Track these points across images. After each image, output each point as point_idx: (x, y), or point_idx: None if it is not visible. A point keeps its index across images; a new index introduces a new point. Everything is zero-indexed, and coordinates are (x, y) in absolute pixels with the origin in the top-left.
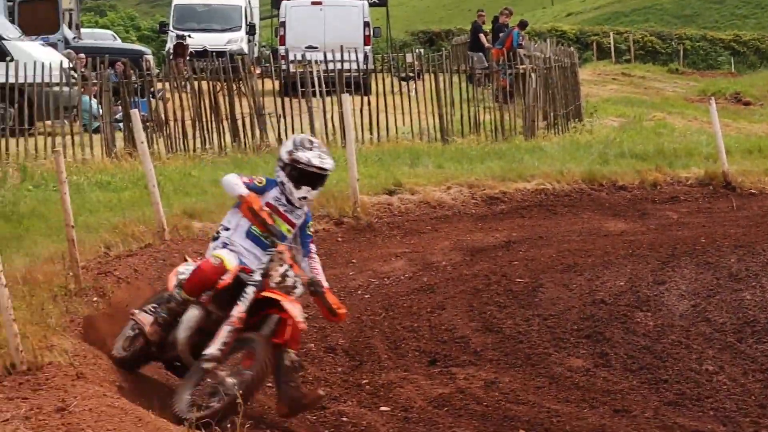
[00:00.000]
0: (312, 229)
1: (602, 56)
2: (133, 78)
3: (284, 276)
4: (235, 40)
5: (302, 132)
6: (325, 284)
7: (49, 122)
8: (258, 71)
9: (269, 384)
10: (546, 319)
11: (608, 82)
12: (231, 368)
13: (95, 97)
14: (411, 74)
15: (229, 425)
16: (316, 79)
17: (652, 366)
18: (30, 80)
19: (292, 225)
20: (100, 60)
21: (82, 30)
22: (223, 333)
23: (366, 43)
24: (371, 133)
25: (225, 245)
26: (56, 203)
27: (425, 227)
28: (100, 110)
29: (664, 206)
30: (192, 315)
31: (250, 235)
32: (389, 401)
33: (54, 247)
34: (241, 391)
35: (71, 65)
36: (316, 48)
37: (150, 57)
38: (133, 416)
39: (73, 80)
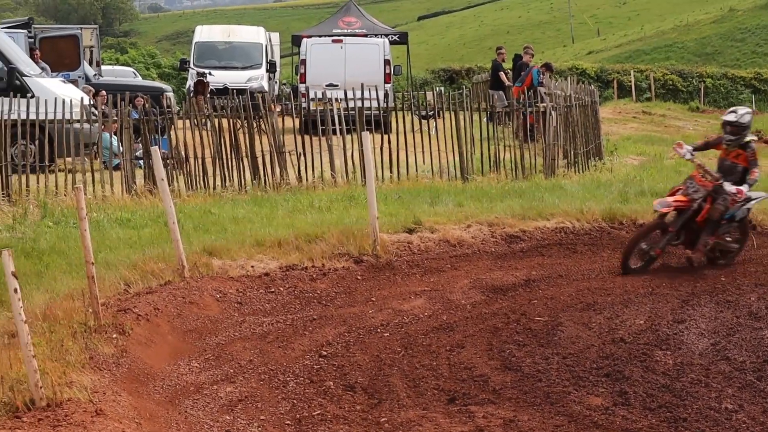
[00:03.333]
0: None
1: (623, 94)
2: (154, 115)
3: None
4: (256, 78)
5: (321, 170)
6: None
7: (69, 159)
8: (278, 109)
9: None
10: (565, 357)
11: (629, 120)
12: None
13: (115, 134)
14: (431, 112)
15: None
16: (336, 117)
17: (671, 404)
18: (51, 117)
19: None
20: (120, 97)
21: (103, 67)
22: None
23: (386, 81)
24: (391, 171)
25: None
26: (76, 240)
27: (445, 265)
28: (121, 147)
29: None
30: None
31: None
32: None
33: (74, 283)
34: None
35: (91, 102)
36: (336, 86)
37: (171, 94)
38: None
39: (94, 117)
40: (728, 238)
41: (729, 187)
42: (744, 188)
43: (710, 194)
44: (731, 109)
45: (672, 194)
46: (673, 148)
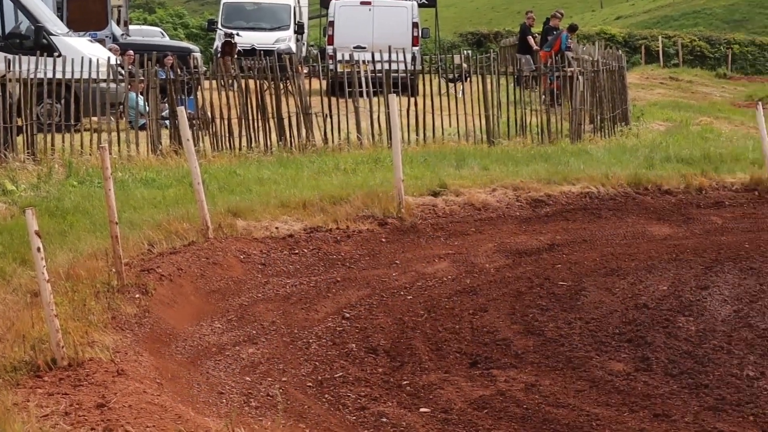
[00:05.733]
0: None
1: (650, 60)
2: (181, 75)
3: None
4: (284, 39)
5: (348, 132)
6: None
7: (95, 118)
8: (305, 70)
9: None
10: (588, 322)
11: (656, 86)
12: None
13: (142, 94)
14: (458, 76)
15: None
16: (363, 79)
17: (693, 371)
18: (77, 76)
19: None
20: (147, 57)
21: (131, 27)
22: None
23: (414, 44)
24: (417, 134)
25: None
26: (100, 199)
27: (469, 229)
28: (147, 107)
29: (709, 211)
30: None
31: None
32: (429, 402)
33: (97, 243)
34: None
35: (118, 61)
36: (364, 48)
37: (198, 55)
38: (173, 413)
39: (120, 77)
40: None
41: None
42: None
43: None
44: None
45: None
46: None
